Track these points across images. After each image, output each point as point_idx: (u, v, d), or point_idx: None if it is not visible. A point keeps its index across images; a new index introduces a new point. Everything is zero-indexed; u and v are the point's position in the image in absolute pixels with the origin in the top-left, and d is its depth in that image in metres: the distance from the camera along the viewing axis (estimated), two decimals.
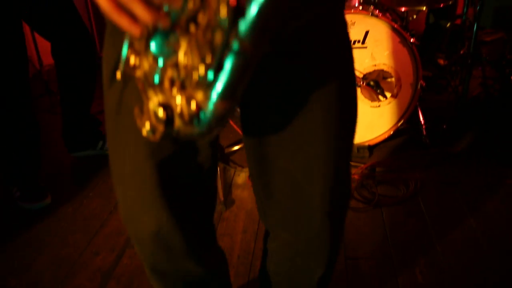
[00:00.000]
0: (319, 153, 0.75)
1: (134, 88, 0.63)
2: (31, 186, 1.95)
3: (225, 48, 0.51)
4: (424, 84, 2.09)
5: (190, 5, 0.52)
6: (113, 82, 0.73)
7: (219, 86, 0.54)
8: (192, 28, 0.53)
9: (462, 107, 2.47)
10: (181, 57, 0.55)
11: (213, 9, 0.50)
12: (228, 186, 1.99)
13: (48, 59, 3.28)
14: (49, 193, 1.96)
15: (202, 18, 0.52)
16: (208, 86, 0.54)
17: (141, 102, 0.59)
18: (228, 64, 0.52)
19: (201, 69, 0.53)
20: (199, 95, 0.55)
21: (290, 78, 0.71)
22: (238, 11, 0.49)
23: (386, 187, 1.95)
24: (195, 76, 0.54)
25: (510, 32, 3.23)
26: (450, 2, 2.24)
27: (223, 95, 0.54)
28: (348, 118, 0.78)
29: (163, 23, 0.54)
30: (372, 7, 1.96)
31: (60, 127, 2.24)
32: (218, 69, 0.53)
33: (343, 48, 0.76)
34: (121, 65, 0.61)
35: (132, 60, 0.59)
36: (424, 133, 2.22)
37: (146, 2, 0.52)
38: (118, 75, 0.62)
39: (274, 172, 0.78)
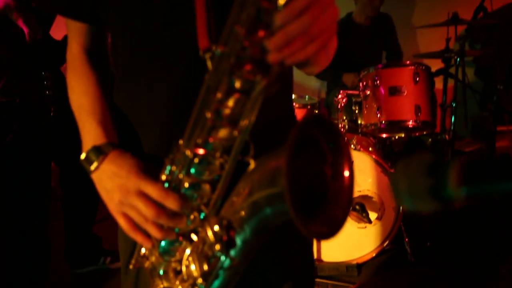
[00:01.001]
0: None
1: (146, 275, 0.77)
2: None
3: (219, 265, 0.66)
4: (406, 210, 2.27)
5: (193, 224, 0.69)
6: (128, 269, 0.87)
7: (213, 286, 0.69)
8: (193, 237, 0.70)
9: (445, 221, 2.62)
10: (183, 260, 0.71)
11: (210, 242, 0.66)
12: None
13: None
14: None
15: (202, 232, 0.68)
16: (204, 286, 0.69)
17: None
18: (220, 274, 0.68)
19: (199, 280, 0.69)
20: None
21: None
22: (229, 242, 0.65)
23: None
24: (192, 279, 0.69)
25: (487, 142, 3.47)
26: (425, 132, 2.49)
27: None
28: None
29: (170, 237, 0.70)
30: (355, 140, 2.19)
31: (62, 235, 2.36)
32: (212, 277, 0.68)
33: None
34: (133, 260, 0.77)
35: (143, 251, 0.76)
36: (409, 251, 2.35)
37: (157, 224, 0.68)
38: (131, 266, 0.78)
39: None
